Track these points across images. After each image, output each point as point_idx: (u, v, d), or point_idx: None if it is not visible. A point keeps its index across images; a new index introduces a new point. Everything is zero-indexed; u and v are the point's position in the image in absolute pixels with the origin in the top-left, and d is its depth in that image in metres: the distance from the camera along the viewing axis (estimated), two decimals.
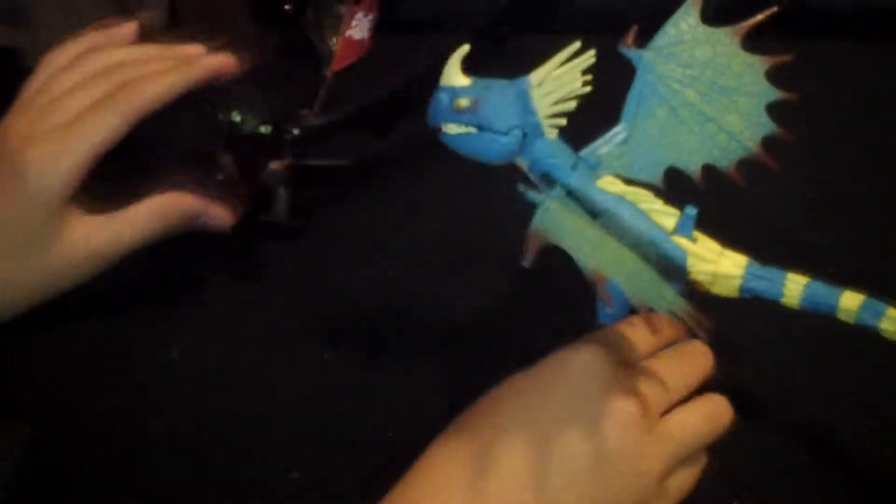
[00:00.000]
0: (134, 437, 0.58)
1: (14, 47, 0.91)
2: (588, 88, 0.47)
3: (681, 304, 0.44)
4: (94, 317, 0.63)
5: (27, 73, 0.63)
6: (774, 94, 0.48)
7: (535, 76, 0.47)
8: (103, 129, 0.56)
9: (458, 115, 0.46)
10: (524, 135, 0.47)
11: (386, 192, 0.73)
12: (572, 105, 0.47)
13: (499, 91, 0.47)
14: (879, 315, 0.47)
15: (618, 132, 0.49)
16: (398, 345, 0.63)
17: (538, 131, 0.48)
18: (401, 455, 0.50)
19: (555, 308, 0.62)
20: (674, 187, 0.49)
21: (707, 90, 0.48)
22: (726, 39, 0.48)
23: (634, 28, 0.48)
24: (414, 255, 0.69)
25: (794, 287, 0.49)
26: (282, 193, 0.67)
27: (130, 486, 0.56)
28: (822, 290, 0.48)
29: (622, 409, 0.47)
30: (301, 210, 0.69)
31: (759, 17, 0.48)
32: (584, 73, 0.47)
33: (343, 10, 0.80)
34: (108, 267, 0.58)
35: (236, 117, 0.64)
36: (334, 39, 0.80)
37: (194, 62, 0.61)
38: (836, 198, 0.71)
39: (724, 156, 0.49)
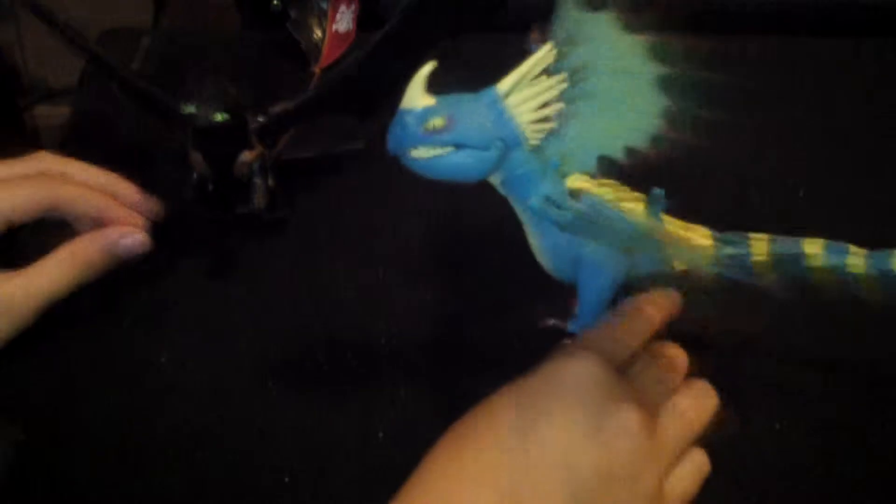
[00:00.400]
0: (122, 441, 0.59)
1: None
2: (564, 86, 0.48)
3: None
4: (82, 323, 0.64)
5: (11, 68, 0.65)
6: (661, 69, 0.50)
7: (503, 85, 0.47)
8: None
9: (429, 136, 0.46)
10: (505, 147, 0.48)
11: (369, 183, 0.72)
12: (556, 109, 0.48)
13: (470, 105, 0.47)
14: (844, 253, 0.52)
15: (558, 128, 0.50)
16: (388, 348, 0.63)
17: (518, 141, 0.48)
18: (392, 460, 0.53)
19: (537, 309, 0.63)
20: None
21: (609, 74, 0.50)
22: (609, 23, 0.49)
23: (535, 26, 0.50)
24: (398, 253, 0.69)
25: (760, 244, 0.53)
26: (258, 183, 0.67)
27: (119, 490, 0.57)
28: (786, 241, 0.53)
29: (626, 418, 0.46)
30: (280, 201, 0.69)
31: None
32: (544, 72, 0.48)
33: (325, 4, 0.80)
34: (30, 321, 0.57)
35: (187, 110, 0.63)
36: (319, 34, 0.80)
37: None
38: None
39: (638, 136, 0.51)
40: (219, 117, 0.63)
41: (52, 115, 1.16)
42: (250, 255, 0.70)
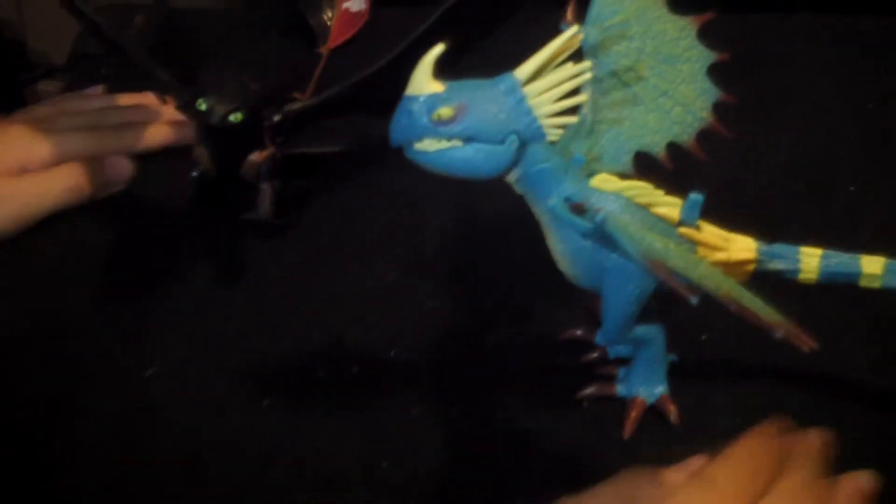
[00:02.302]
0: (105, 464, 0.57)
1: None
2: (588, 77, 0.44)
3: (744, 294, 0.42)
4: (61, 335, 0.62)
5: (12, 43, 0.65)
6: (710, 56, 0.48)
7: (523, 71, 0.43)
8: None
9: (437, 128, 0.42)
10: (521, 142, 0.44)
11: (381, 183, 0.70)
12: (579, 100, 0.45)
13: (483, 93, 0.43)
14: None
15: (582, 122, 0.47)
16: (397, 362, 0.60)
17: (538, 135, 0.44)
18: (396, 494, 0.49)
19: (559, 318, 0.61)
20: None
21: (654, 62, 0.47)
22: (654, 3, 0.47)
23: (572, 2, 0.47)
24: (413, 257, 0.66)
25: (811, 260, 0.49)
26: (266, 189, 0.64)
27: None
28: (840, 259, 0.49)
29: None
30: (288, 206, 0.66)
31: None
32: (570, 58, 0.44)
33: None
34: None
35: (202, 106, 0.60)
36: (329, 13, 0.77)
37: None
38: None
39: (684, 130, 0.48)
40: (235, 117, 0.60)
41: (53, 90, 1.15)
42: (246, 258, 0.67)
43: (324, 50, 0.76)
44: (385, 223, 0.68)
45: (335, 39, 0.77)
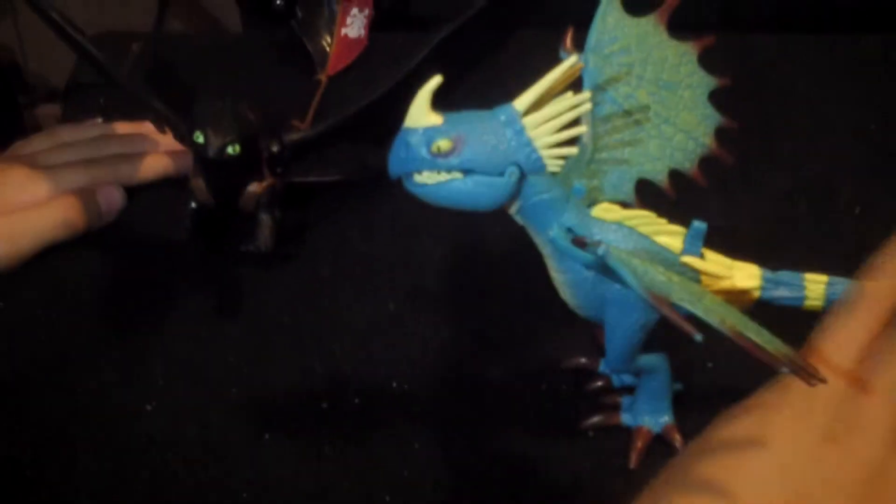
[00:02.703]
0: (108, 492, 0.56)
1: None
2: (589, 107, 0.43)
3: (749, 326, 0.41)
4: (58, 368, 0.62)
5: (11, 65, 0.65)
6: (711, 81, 0.48)
7: (521, 102, 0.43)
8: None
9: (435, 160, 0.42)
10: (521, 173, 0.43)
11: (380, 212, 0.69)
12: (579, 131, 0.44)
13: (482, 125, 0.43)
14: None
15: (582, 151, 0.46)
16: (399, 393, 0.60)
17: (538, 167, 0.44)
18: None
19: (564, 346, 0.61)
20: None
21: (655, 88, 0.47)
22: (654, 29, 0.47)
23: (570, 29, 0.47)
24: (413, 287, 0.65)
25: (816, 287, 0.49)
26: (265, 219, 0.64)
27: None
28: (846, 285, 0.48)
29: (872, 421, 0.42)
30: (286, 237, 0.66)
31: None
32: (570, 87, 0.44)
33: (336, 6, 0.77)
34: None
35: (199, 138, 0.58)
36: (328, 39, 0.77)
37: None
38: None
39: (686, 157, 0.48)
40: (233, 150, 0.59)
41: (52, 114, 1.16)
42: (244, 290, 0.66)
43: (323, 77, 0.76)
44: (385, 252, 0.67)
45: (334, 66, 0.76)
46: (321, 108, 0.73)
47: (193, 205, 0.64)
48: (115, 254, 0.68)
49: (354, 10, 0.78)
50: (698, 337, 0.39)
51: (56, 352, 0.62)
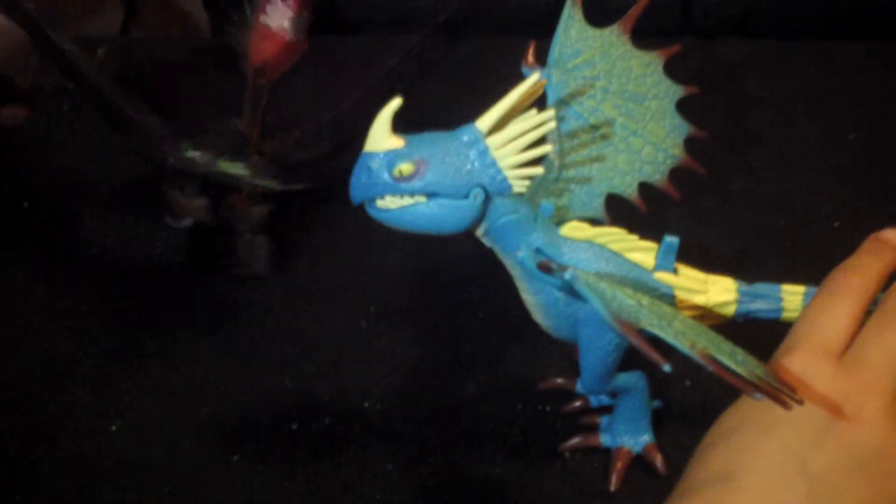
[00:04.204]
0: None
1: None
2: (552, 126, 0.43)
3: (722, 350, 0.41)
4: (19, 387, 0.61)
5: None
6: (679, 90, 0.47)
7: (484, 121, 0.42)
8: None
9: (398, 184, 0.42)
10: (486, 195, 0.43)
11: (352, 230, 0.69)
12: (545, 150, 0.43)
13: (445, 147, 0.42)
14: None
15: (548, 169, 0.46)
16: (371, 413, 0.59)
17: (504, 187, 0.43)
18: None
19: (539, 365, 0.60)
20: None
21: (621, 100, 0.47)
22: (617, 39, 0.47)
23: (532, 43, 0.46)
24: (385, 305, 0.65)
25: (793, 299, 0.48)
26: (261, 243, 0.64)
27: None
28: None
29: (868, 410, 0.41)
30: (259, 256, 0.66)
31: (639, 5, 0.47)
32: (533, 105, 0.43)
33: None
34: None
35: (188, 152, 0.58)
36: (250, 30, 0.75)
37: None
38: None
39: (656, 169, 0.48)
40: (225, 166, 0.59)
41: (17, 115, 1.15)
42: (215, 307, 0.66)
43: (265, 80, 0.74)
44: (356, 270, 0.67)
45: (256, 57, 0.73)
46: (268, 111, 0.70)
47: (187, 224, 0.64)
48: (81, 270, 0.68)
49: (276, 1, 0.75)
50: (667, 367, 0.38)
51: (19, 370, 0.62)
